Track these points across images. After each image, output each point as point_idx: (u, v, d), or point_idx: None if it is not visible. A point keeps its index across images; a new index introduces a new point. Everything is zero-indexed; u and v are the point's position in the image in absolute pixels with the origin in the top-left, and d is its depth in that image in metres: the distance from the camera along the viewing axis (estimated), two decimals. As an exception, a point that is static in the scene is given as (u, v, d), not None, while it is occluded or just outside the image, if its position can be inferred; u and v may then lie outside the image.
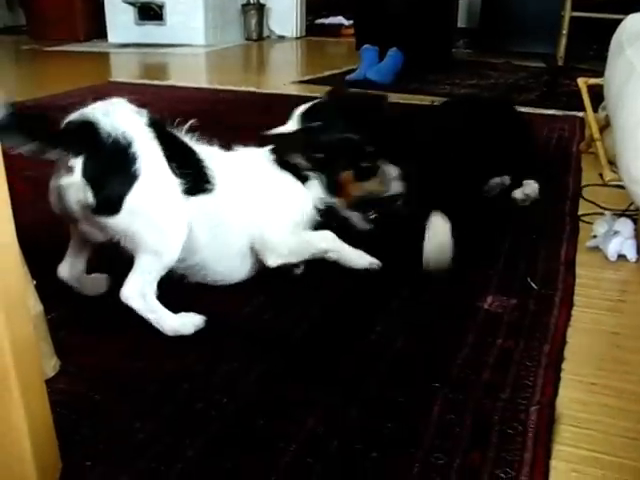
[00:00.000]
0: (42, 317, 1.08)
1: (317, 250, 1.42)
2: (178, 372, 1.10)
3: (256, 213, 1.37)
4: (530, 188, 1.89)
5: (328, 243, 1.43)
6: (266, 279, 1.41)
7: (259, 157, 1.45)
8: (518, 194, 1.88)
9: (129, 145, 1.16)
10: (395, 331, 1.23)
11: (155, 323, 1.22)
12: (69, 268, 1.33)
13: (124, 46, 5.62)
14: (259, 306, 1.32)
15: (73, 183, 1.14)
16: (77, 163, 1.13)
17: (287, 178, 1.43)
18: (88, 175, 1.14)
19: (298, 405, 1.02)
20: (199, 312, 1.27)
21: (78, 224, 1.25)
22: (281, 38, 6.35)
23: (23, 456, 0.79)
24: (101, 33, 5.95)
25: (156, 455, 0.92)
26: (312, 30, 6.68)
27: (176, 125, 1.35)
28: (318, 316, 1.29)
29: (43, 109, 2.99)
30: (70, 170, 1.14)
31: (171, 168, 1.23)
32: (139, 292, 1.21)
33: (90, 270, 1.36)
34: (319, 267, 1.47)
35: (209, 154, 1.36)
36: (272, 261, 1.38)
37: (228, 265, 1.38)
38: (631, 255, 1.53)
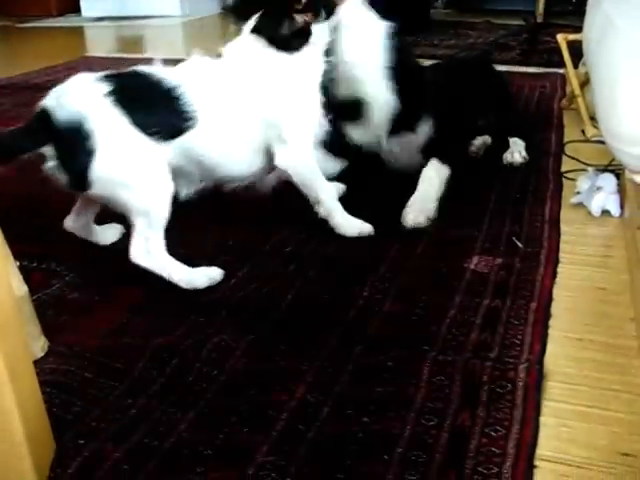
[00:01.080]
0: (27, 298, 1.07)
1: (315, 194, 1.45)
2: (167, 347, 1.10)
3: (270, 104, 1.40)
4: (519, 147, 1.88)
5: (327, 198, 1.45)
6: (249, 250, 1.41)
7: (249, 47, 1.45)
8: (515, 157, 1.86)
9: (81, 123, 1.21)
10: (382, 295, 1.24)
11: (168, 278, 1.27)
12: (74, 219, 1.42)
13: (99, 19, 5.54)
14: (244, 277, 1.32)
15: (50, 168, 1.24)
16: (47, 151, 1.22)
17: (287, 57, 1.43)
18: (57, 159, 1.23)
19: (288, 374, 1.02)
20: (185, 287, 1.28)
21: None
22: (258, 5, 6.26)
23: (16, 439, 0.79)
24: (75, 7, 5.85)
25: (149, 430, 0.92)
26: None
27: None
28: (304, 285, 1.28)
29: (17, 88, 2.96)
30: (46, 158, 1.23)
31: (138, 125, 1.25)
32: (144, 251, 1.27)
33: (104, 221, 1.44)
34: (304, 233, 1.47)
35: (190, 78, 1.36)
36: (281, 157, 1.41)
37: (240, 161, 1.42)
38: (615, 210, 1.54)
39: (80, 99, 1.23)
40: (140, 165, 1.26)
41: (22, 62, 3.69)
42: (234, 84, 1.39)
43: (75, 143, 1.21)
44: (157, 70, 1.34)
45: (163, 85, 1.31)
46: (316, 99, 1.45)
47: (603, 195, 1.54)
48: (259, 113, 1.39)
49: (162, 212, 1.27)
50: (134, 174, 1.25)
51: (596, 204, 1.54)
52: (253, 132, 1.40)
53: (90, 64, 3.45)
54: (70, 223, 1.42)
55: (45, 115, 1.22)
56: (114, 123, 1.24)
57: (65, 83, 1.27)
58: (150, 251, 1.27)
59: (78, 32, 5.10)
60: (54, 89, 1.26)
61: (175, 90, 1.31)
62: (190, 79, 1.34)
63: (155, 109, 1.30)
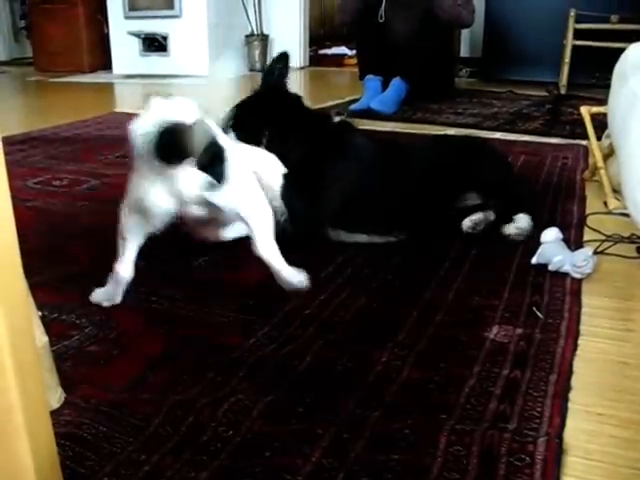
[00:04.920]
0: (47, 348, 1.08)
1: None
2: (183, 404, 1.09)
3: None
4: (523, 221, 1.86)
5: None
6: (269, 311, 1.41)
7: None
8: (510, 229, 1.83)
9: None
10: (401, 362, 1.23)
11: (278, 271, 1.44)
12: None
13: (128, 77, 5.68)
14: (263, 338, 1.32)
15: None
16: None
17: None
18: None
19: (304, 438, 1.01)
20: (203, 344, 1.28)
21: None
22: (285, 68, 6.39)
23: (28, 490, 0.79)
24: (106, 64, 6.02)
25: (161, 488, 0.91)
26: (315, 60, 6.74)
27: None
28: (322, 348, 1.28)
29: (47, 140, 3.02)
30: None
31: None
32: (270, 246, 1.44)
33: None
34: (323, 296, 1.47)
35: None
36: None
37: None
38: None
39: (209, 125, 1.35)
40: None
41: (53, 116, 3.77)
42: None
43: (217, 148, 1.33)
44: None
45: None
46: None
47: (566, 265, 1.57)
48: None
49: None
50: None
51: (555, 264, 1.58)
52: None
53: (118, 119, 3.52)
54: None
55: (183, 131, 1.28)
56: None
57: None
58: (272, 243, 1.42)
59: (108, 88, 5.23)
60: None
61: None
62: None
63: None
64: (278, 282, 1.45)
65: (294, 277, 1.46)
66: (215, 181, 1.32)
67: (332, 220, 1.75)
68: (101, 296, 1.43)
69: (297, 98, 1.83)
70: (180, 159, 1.28)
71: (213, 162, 1.31)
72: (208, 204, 1.37)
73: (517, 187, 2.01)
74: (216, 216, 1.44)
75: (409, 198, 1.83)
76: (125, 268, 1.40)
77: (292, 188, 1.63)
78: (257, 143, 1.66)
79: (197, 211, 1.38)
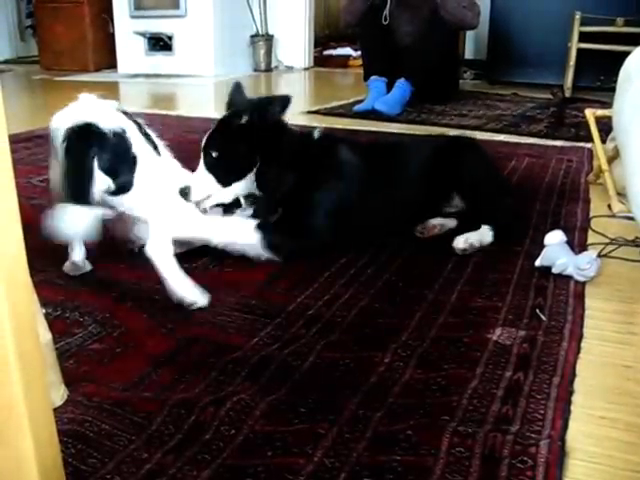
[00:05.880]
0: (51, 346, 1.08)
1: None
2: (186, 403, 1.09)
3: None
4: (476, 236, 1.77)
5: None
6: (272, 311, 1.41)
7: None
8: (459, 243, 1.75)
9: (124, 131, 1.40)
10: (403, 363, 1.23)
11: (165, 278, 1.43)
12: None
13: (133, 76, 5.69)
14: (266, 338, 1.32)
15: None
16: None
17: None
18: None
19: (306, 437, 1.01)
20: (206, 343, 1.28)
21: None
22: (289, 69, 6.41)
23: (31, 487, 0.79)
24: (111, 63, 6.03)
25: (163, 487, 0.91)
26: (320, 61, 6.74)
27: None
28: (325, 349, 1.28)
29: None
30: None
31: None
32: (161, 248, 1.41)
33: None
34: (327, 296, 1.47)
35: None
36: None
37: None
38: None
39: (116, 117, 1.42)
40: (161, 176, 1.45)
41: (58, 114, 3.77)
42: None
43: (122, 147, 1.37)
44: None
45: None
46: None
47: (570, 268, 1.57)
48: None
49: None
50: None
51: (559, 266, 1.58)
52: None
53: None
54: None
55: (90, 128, 1.35)
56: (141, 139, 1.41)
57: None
58: (165, 245, 1.41)
59: (113, 87, 5.23)
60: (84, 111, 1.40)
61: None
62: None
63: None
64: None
65: (183, 290, 1.42)
66: (117, 187, 1.35)
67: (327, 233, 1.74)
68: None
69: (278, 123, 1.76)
70: (82, 161, 1.30)
71: (118, 168, 1.34)
72: (110, 206, 1.40)
73: (490, 195, 1.92)
74: (123, 216, 1.47)
75: (396, 203, 1.83)
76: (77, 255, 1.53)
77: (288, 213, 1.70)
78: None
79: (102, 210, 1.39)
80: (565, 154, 2.86)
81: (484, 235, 1.78)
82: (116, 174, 1.35)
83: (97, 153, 1.32)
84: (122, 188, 1.37)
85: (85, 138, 1.32)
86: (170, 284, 1.41)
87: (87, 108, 1.40)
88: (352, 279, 1.59)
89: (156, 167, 1.45)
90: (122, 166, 1.35)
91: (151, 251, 1.40)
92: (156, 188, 1.44)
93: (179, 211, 1.53)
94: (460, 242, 1.74)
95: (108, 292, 1.46)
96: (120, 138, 1.36)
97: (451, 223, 1.89)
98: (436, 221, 1.88)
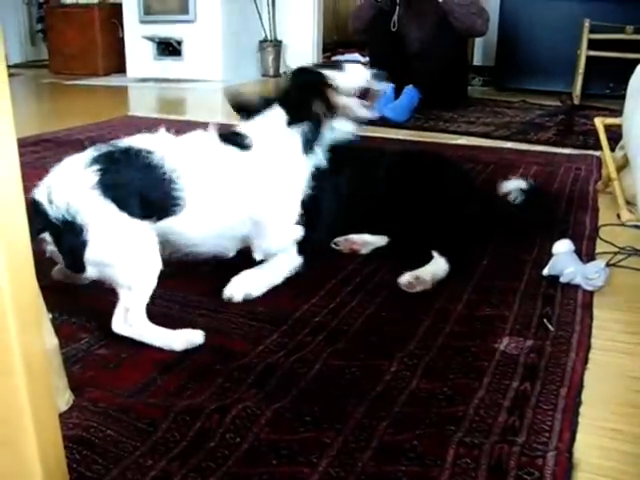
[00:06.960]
0: (57, 351, 1.08)
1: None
2: (191, 410, 1.09)
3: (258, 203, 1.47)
4: (428, 270, 1.60)
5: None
6: (278, 319, 1.41)
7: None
8: (403, 279, 1.57)
9: (72, 219, 1.26)
10: (410, 372, 1.22)
11: (149, 343, 1.30)
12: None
13: (142, 81, 5.70)
14: (272, 345, 1.31)
15: (50, 251, 1.33)
16: (45, 237, 1.30)
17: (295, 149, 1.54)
18: (54, 245, 1.31)
19: (311, 446, 1.01)
20: (212, 350, 1.28)
21: None
22: (298, 74, 6.40)
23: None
24: (120, 68, 6.05)
25: (167, 495, 0.91)
26: (328, 67, 6.72)
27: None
28: (331, 356, 1.27)
29: (60, 142, 3.03)
30: (46, 242, 1.31)
31: (127, 211, 1.30)
32: (125, 323, 1.31)
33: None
34: (333, 304, 1.47)
35: (187, 161, 1.41)
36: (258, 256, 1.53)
37: (219, 245, 1.51)
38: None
39: (69, 196, 1.27)
40: (128, 247, 1.31)
41: (67, 118, 3.79)
42: (230, 176, 1.45)
43: (68, 235, 1.28)
44: (154, 148, 1.38)
45: (157, 169, 1.35)
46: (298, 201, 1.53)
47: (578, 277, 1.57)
48: (247, 210, 1.45)
49: (147, 287, 1.33)
50: (123, 256, 1.31)
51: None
52: (238, 224, 1.47)
53: (131, 123, 3.53)
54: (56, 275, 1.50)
55: (38, 207, 1.28)
56: (103, 213, 1.28)
57: (54, 173, 1.33)
58: (129, 321, 1.31)
59: (122, 92, 5.25)
60: (44, 181, 1.31)
61: (168, 174, 1.36)
62: (187, 162, 1.40)
63: (146, 193, 1.33)
64: None
65: (172, 344, 1.31)
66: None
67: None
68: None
69: None
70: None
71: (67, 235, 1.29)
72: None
73: (440, 218, 1.77)
74: None
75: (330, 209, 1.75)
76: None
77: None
78: None
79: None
80: (574, 162, 2.85)
81: (438, 268, 1.63)
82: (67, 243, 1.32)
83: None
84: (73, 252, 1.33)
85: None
86: (159, 345, 1.31)
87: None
88: (358, 287, 1.58)
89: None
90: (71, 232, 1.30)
91: (119, 328, 1.32)
92: (116, 241, 1.33)
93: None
94: (404, 277, 1.58)
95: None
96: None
97: (380, 241, 1.80)
98: (359, 237, 1.80)
